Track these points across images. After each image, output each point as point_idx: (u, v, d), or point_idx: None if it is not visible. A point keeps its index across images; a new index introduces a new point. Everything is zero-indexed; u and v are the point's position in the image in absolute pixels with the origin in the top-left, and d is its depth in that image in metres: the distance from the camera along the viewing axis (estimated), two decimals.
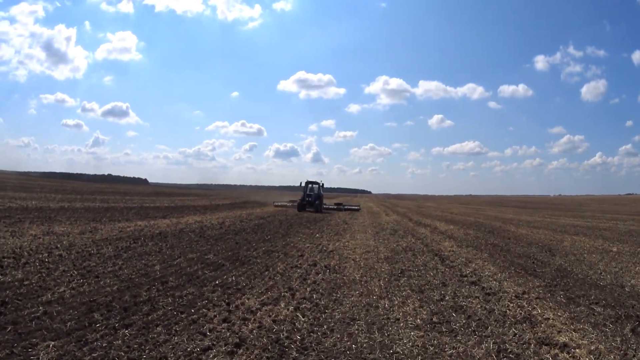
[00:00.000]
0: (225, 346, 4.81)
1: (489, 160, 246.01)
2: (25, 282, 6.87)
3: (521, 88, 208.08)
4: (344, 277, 8.66)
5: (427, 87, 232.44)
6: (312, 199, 31.97)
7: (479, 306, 6.64)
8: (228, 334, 5.23)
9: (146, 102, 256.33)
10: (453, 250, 12.65)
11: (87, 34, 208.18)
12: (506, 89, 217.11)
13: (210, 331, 5.29)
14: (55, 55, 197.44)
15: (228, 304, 6.52)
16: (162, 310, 6.08)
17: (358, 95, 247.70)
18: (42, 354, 4.38)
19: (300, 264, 10.11)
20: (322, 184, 33.89)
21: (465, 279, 8.56)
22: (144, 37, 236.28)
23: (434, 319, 6.01)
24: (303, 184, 33.42)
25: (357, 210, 36.51)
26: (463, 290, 7.62)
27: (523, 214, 39.94)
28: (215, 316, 5.90)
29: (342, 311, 6.35)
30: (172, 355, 4.55)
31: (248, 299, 6.88)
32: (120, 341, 4.84)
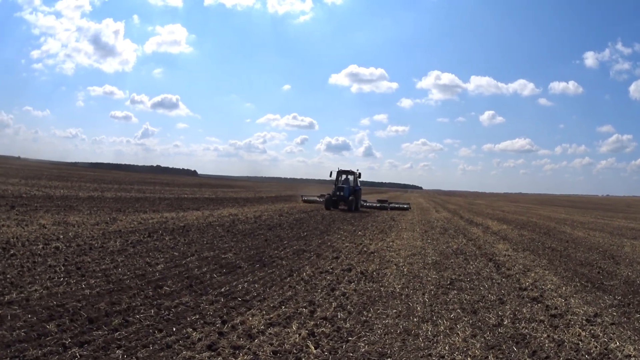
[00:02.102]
0: None
1: (539, 158, 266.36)
2: (0, 277, 6.59)
3: (571, 85, 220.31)
4: (382, 288, 8.00)
5: (478, 83, 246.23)
6: (344, 193, 27.57)
7: (545, 335, 5.85)
8: None
9: (197, 94, 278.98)
10: (509, 255, 12.48)
11: (136, 28, 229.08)
12: (557, 86, 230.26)
13: None
14: (103, 49, 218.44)
15: (224, 322, 5.66)
16: (136, 325, 5.33)
17: (410, 90, 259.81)
18: None
19: (332, 268, 9.53)
20: (359, 174, 29.47)
21: (525, 293, 8.09)
22: (193, 30, 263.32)
23: (491, 357, 5.13)
24: (334, 175, 28.69)
25: (407, 209, 32.37)
26: (524, 310, 6.98)
27: (575, 214, 41.38)
28: (200, 339, 5.03)
29: (370, 340, 5.41)
30: None
31: (253, 315, 6.02)
32: None
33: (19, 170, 52.70)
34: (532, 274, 9.86)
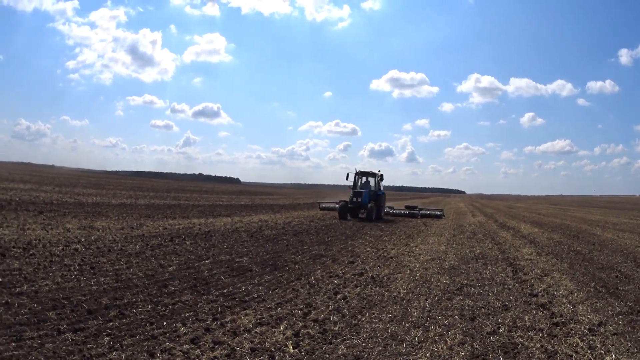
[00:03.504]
0: None
1: (579, 159, 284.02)
2: (15, 272, 7.61)
3: (608, 84, 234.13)
4: (386, 293, 8.34)
5: (518, 85, 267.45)
6: (362, 199, 25.05)
7: (538, 345, 5.90)
8: (177, 359, 4.97)
9: (238, 102, 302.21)
10: (530, 259, 12.83)
11: (173, 37, 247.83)
12: (594, 85, 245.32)
13: (162, 352, 5.07)
14: (141, 59, 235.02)
15: (215, 319, 6.31)
16: (130, 318, 6.09)
17: (451, 94, 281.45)
18: None
19: (343, 272, 10.04)
20: (381, 176, 27.13)
21: (534, 299, 8.25)
22: (232, 38, 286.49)
23: None
24: (351, 178, 26.30)
25: (440, 216, 30.18)
26: (527, 317, 7.11)
27: (610, 215, 43.29)
28: (185, 334, 5.69)
29: (351, 344, 5.74)
30: None
31: (246, 315, 6.62)
32: (51, 344, 4.95)
33: (55, 178, 57.29)
34: (548, 279, 10.05)
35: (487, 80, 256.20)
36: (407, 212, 30.76)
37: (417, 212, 30.53)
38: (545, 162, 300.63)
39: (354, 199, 25.27)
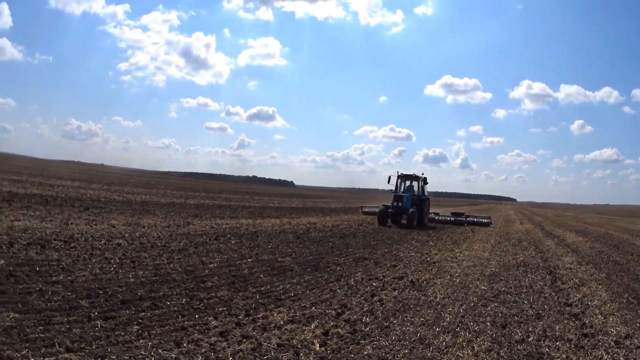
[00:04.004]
0: None
1: (625, 168, 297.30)
2: (53, 262, 7.96)
3: None
4: (422, 297, 8.45)
5: (568, 91, 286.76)
6: (404, 204, 24.17)
7: (564, 356, 5.93)
8: (204, 350, 4.99)
9: (293, 106, 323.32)
10: (570, 268, 13.03)
11: (227, 41, 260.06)
12: (638, 93, 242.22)
13: (189, 342, 5.12)
14: (195, 62, 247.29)
15: (247, 315, 6.36)
16: (162, 309, 6.22)
17: (503, 100, 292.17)
18: None
19: (384, 275, 10.11)
20: (425, 179, 26.47)
21: (568, 309, 8.34)
22: (287, 43, 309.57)
23: None
24: (393, 181, 25.60)
25: (487, 224, 29.24)
26: (557, 327, 7.17)
27: None
28: (215, 327, 5.75)
29: (378, 345, 5.75)
30: (113, 357, 4.48)
31: (279, 312, 6.65)
32: (79, 330, 5.11)
33: (104, 177, 60.45)
34: (585, 289, 10.17)
35: (538, 87, 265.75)
36: (452, 218, 29.99)
37: (464, 219, 29.82)
38: (594, 170, 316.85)
39: (395, 204, 24.46)
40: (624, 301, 9.19)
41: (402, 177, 25.92)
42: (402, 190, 25.65)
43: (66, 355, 4.41)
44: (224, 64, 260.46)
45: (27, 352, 4.39)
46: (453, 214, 31.06)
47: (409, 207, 24.20)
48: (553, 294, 9.57)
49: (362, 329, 6.31)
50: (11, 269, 7.21)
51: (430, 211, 29.15)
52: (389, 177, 25.32)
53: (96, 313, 5.77)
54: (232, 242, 12.97)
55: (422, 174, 26.32)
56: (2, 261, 7.59)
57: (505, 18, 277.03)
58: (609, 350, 6.22)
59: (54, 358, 4.34)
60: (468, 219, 29.89)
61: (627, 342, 6.59)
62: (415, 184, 26.19)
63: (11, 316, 5.28)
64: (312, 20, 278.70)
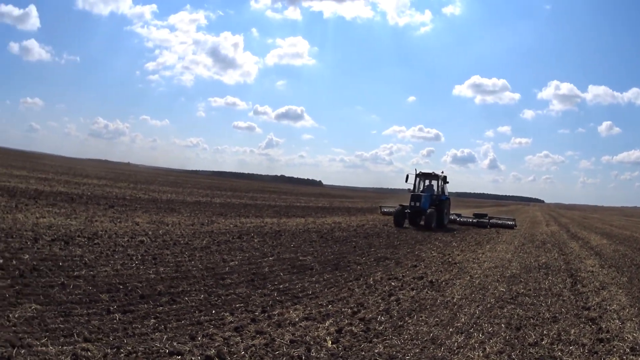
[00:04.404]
0: (196, 357, 4.78)
1: None
2: (76, 258, 8.33)
3: None
4: (440, 297, 8.56)
5: (596, 92, 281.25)
6: (422, 204, 23.34)
7: None
8: (217, 344, 5.19)
9: (321, 106, 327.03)
10: (592, 271, 13.07)
11: (255, 41, 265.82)
12: None
13: (204, 336, 5.34)
14: (223, 61, 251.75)
15: (264, 312, 6.56)
16: (180, 304, 6.48)
17: (531, 101, 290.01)
18: (18, 312, 5.41)
19: (403, 275, 10.26)
20: (444, 178, 25.70)
21: (586, 313, 8.33)
22: (315, 42, 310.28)
23: None
24: (411, 180, 24.90)
25: (512, 226, 28.34)
26: (572, 331, 7.16)
27: None
28: (231, 322, 5.97)
29: (390, 344, 5.87)
30: (129, 348, 4.73)
31: (295, 309, 6.83)
32: (97, 322, 5.39)
33: (131, 175, 61.93)
34: (605, 293, 10.17)
35: (566, 88, 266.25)
36: (475, 220, 28.97)
37: (487, 220, 28.75)
38: (621, 172, 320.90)
39: (413, 204, 23.57)
40: None
41: (421, 176, 25.26)
42: (420, 189, 24.98)
43: (84, 345, 4.66)
44: (252, 63, 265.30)
45: (47, 340, 4.67)
46: (475, 215, 30.17)
47: (427, 208, 23.44)
48: (572, 297, 9.62)
49: (376, 327, 6.45)
50: (35, 263, 7.59)
51: (452, 212, 28.82)
52: (407, 176, 24.67)
53: (115, 306, 6.06)
54: (255, 240, 13.24)
55: (442, 172, 25.65)
56: (27, 256, 7.99)
57: (533, 18, 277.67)
58: (624, 357, 6.21)
59: (71, 347, 4.60)
60: (491, 220, 28.98)
61: None
62: (434, 183, 25.48)
63: (33, 307, 5.60)
64: (340, 20, 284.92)
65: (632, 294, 10.23)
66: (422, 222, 23.69)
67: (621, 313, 8.43)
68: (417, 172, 25.04)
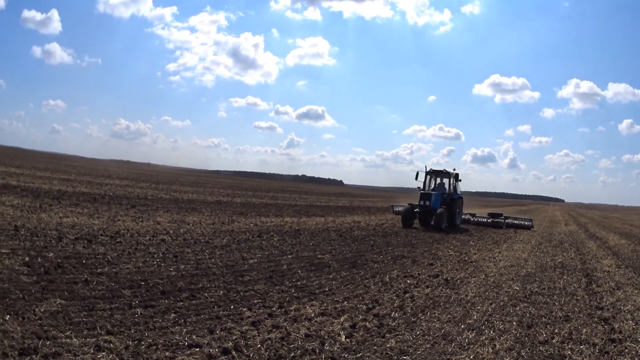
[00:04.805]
0: (214, 349, 4.92)
1: None
2: (99, 256, 8.58)
3: None
4: (454, 295, 8.67)
5: (616, 90, 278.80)
6: (432, 203, 22.24)
7: None
8: (234, 337, 5.34)
9: (342, 105, 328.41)
10: (608, 271, 13.02)
11: (276, 41, 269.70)
12: None
13: (222, 330, 5.50)
14: (244, 62, 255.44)
15: (281, 307, 6.70)
16: (200, 300, 6.66)
17: (551, 99, 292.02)
18: (44, 307, 5.62)
19: (419, 273, 10.39)
20: (456, 175, 24.49)
21: (599, 312, 8.29)
22: (335, 42, 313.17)
23: None
24: (420, 177, 23.71)
25: (528, 227, 27.24)
26: (584, 330, 7.14)
27: None
28: (248, 317, 6.13)
29: (402, 339, 6.00)
30: (149, 341, 4.91)
31: (312, 305, 6.97)
32: (119, 316, 5.59)
33: (152, 175, 62.89)
34: (620, 293, 10.12)
35: (586, 86, 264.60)
36: (489, 220, 27.80)
37: (502, 220, 27.60)
38: None
39: (422, 203, 22.35)
40: None
41: (432, 173, 24.09)
42: (431, 187, 23.87)
43: (106, 337, 4.85)
44: (273, 63, 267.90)
45: (71, 333, 4.87)
46: (490, 215, 28.77)
47: (438, 207, 22.28)
48: (586, 296, 9.58)
49: (390, 323, 6.58)
50: (59, 261, 7.84)
51: (467, 212, 28.13)
52: (417, 173, 23.42)
53: (137, 302, 6.25)
54: (275, 239, 13.40)
55: (454, 170, 24.40)
56: (51, 254, 8.26)
57: (552, 16, 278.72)
58: (636, 358, 6.16)
59: (94, 339, 4.78)
60: (507, 220, 27.79)
61: None
62: (446, 180, 24.27)
63: (58, 302, 5.82)
64: (360, 20, 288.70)
65: None
66: (432, 223, 22.61)
67: (635, 314, 8.39)
68: (428, 170, 23.95)
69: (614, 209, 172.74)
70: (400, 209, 28.61)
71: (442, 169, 24.27)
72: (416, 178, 23.31)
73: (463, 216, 26.49)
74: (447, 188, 23.94)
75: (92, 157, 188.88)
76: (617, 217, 66.50)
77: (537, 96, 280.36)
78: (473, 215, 28.62)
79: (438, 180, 24.23)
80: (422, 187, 23.50)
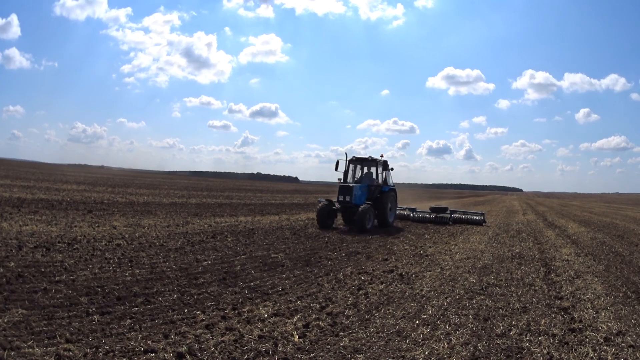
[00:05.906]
0: (169, 354, 5.15)
1: (635, 155, 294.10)
2: (57, 264, 8.63)
3: None
4: (408, 290, 8.73)
5: (572, 80, 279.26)
6: (353, 198, 18.71)
7: (545, 351, 5.86)
8: (189, 341, 5.58)
9: (295, 102, 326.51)
10: (567, 260, 13.12)
11: (229, 39, 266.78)
12: None
13: (176, 334, 5.72)
14: (197, 61, 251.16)
15: (234, 309, 6.94)
16: (154, 304, 6.83)
17: (506, 90, 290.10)
18: (7, 317, 5.76)
19: (373, 269, 10.66)
20: (385, 163, 20.95)
21: (558, 302, 8.30)
22: (288, 39, 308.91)
23: None
24: (342, 167, 19.68)
25: (479, 222, 24.09)
26: (543, 321, 7.15)
27: None
28: (202, 320, 6.34)
29: (356, 337, 6.16)
30: (107, 347, 5.11)
31: (265, 306, 7.22)
32: (78, 324, 5.75)
33: (109, 179, 61.25)
34: (579, 282, 10.16)
35: (541, 76, 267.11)
36: (432, 216, 24.33)
37: (448, 215, 24.40)
38: (601, 159, 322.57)
39: (341, 198, 18.87)
40: (621, 295, 9.05)
41: (355, 162, 20.23)
42: (354, 179, 20.21)
43: (65, 346, 5.04)
44: (226, 62, 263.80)
45: (32, 342, 5.04)
46: (433, 210, 25.11)
47: (362, 203, 18.80)
48: (544, 286, 9.58)
49: (343, 321, 6.76)
50: (20, 270, 7.94)
51: (405, 207, 25.42)
52: (337, 162, 19.51)
53: (94, 309, 6.42)
54: (229, 239, 13.60)
55: (382, 156, 20.82)
56: (12, 263, 8.35)
57: (506, 8, 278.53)
58: (597, 348, 6.04)
59: (55, 348, 4.96)
60: (454, 215, 24.57)
61: (618, 340, 6.37)
62: (373, 170, 20.69)
63: (19, 312, 5.96)
64: (313, 17, 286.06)
65: (608, 282, 10.21)
66: (350, 224, 19.52)
67: (596, 302, 8.38)
68: (350, 158, 20.11)
69: (573, 197, 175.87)
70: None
71: (367, 156, 20.51)
72: (336, 168, 19.48)
73: (402, 212, 24.42)
74: (375, 179, 20.62)
75: (51, 162, 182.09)
76: (577, 205, 67.83)
77: (492, 88, 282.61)
78: (413, 210, 25.24)
79: (365, 169, 20.81)
80: (342, 177, 19.86)
